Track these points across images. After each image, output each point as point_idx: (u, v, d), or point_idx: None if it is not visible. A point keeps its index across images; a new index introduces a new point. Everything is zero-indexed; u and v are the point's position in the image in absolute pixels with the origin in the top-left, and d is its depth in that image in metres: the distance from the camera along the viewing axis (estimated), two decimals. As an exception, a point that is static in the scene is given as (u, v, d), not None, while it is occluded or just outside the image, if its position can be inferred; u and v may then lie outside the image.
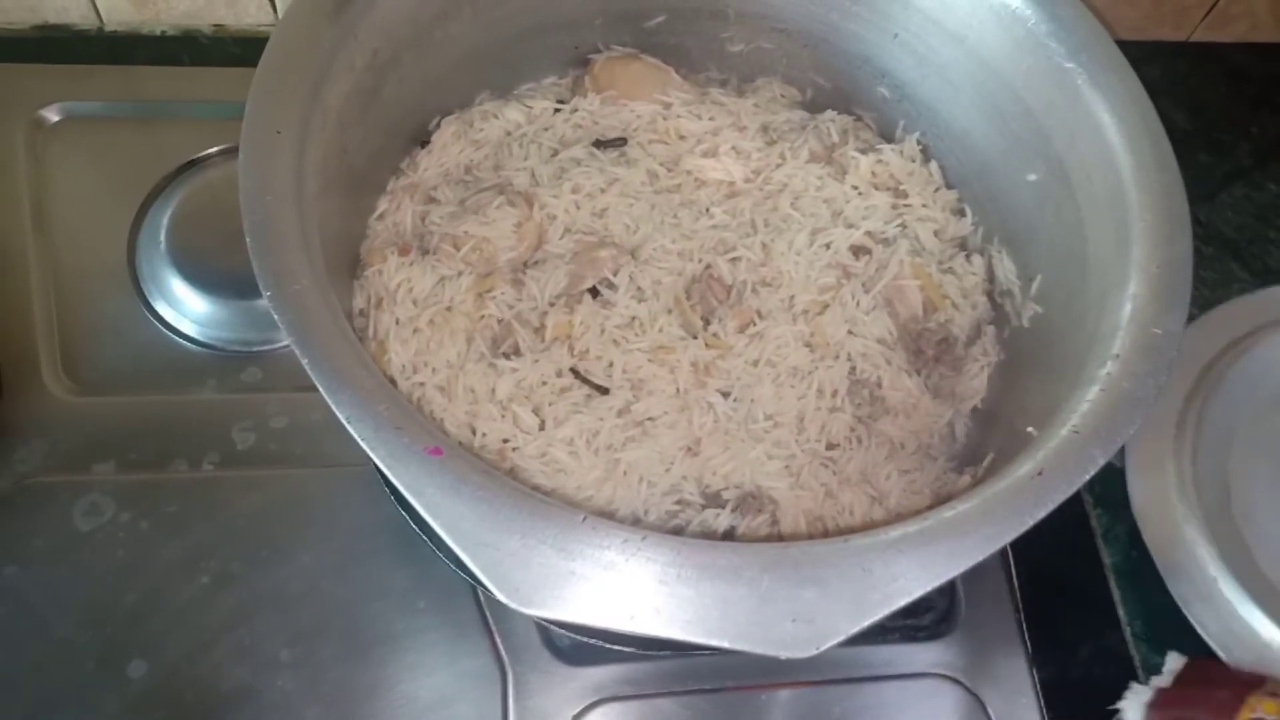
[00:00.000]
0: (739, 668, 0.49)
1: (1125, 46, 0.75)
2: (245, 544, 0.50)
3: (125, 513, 0.50)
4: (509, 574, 0.27)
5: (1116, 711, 0.49)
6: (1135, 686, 0.49)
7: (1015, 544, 0.53)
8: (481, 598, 0.50)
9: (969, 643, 0.51)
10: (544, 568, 0.28)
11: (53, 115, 0.60)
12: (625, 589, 0.28)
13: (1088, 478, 0.34)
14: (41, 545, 0.49)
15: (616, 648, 0.43)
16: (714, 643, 0.27)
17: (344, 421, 0.29)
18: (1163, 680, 0.49)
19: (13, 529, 0.49)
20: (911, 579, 0.28)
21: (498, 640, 0.49)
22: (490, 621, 0.49)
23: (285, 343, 0.55)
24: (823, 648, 0.27)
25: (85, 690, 0.46)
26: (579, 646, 0.49)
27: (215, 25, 0.65)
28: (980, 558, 0.31)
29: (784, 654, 0.27)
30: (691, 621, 0.27)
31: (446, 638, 0.49)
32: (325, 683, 0.47)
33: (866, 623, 0.28)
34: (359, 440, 0.29)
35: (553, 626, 0.49)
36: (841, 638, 0.27)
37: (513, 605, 0.27)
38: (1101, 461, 0.34)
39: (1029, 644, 0.52)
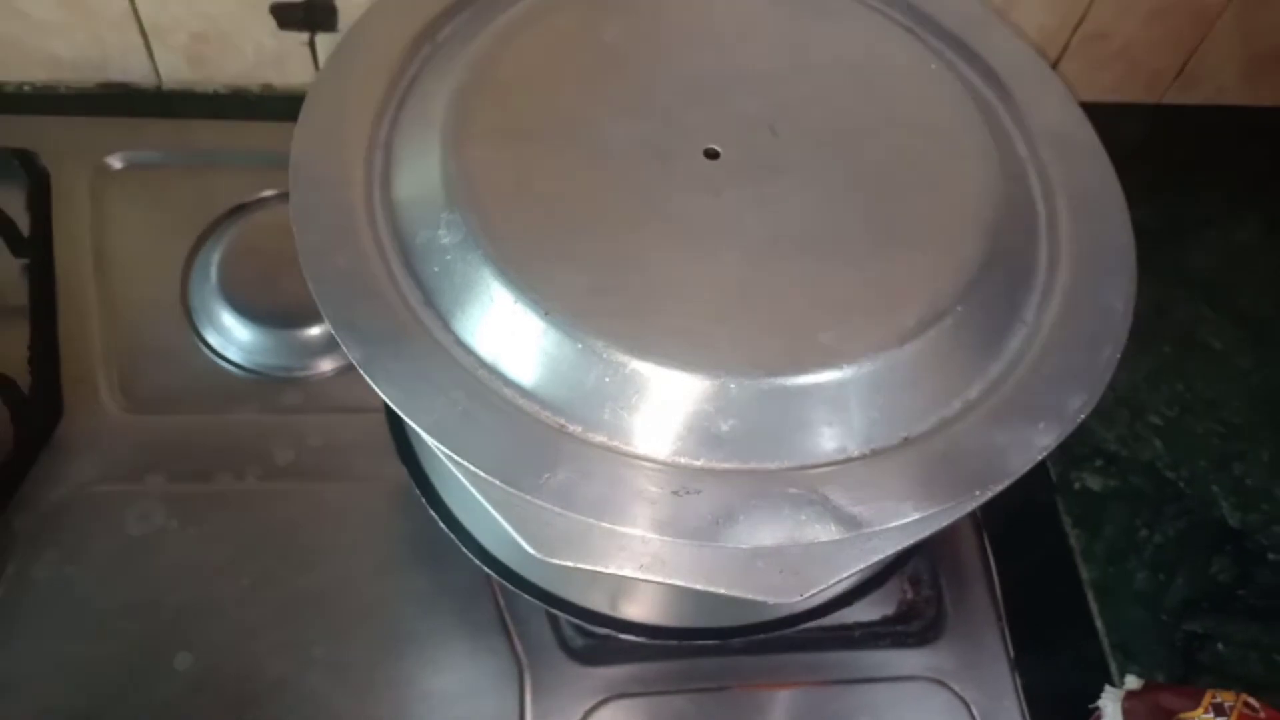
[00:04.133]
0: (742, 668, 0.53)
1: (1101, 107, 0.82)
2: (283, 550, 0.54)
3: (174, 520, 0.54)
4: (535, 530, 0.32)
5: (1096, 709, 0.52)
6: (1109, 688, 0.52)
7: (998, 560, 0.58)
8: (500, 601, 0.54)
9: (955, 649, 0.55)
10: (566, 524, 0.32)
11: (115, 163, 0.65)
12: (636, 543, 0.32)
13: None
14: (97, 548, 0.53)
15: (627, 637, 0.47)
16: (711, 589, 0.31)
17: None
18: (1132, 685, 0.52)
19: (72, 533, 0.53)
20: (884, 539, 0.33)
21: (515, 641, 0.53)
22: (508, 623, 0.53)
23: (324, 369, 0.60)
24: (805, 594, 0.31)
25: (138, 679, 0.50)
26: (591, 647, 0.53)
27: (263, 85, 0.72)
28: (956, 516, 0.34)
29: (772, 599, 0.31)
30: (692, 571, 0.32)
31: (467, 637, 0.53)
32: (355, 676, 0.51)
33: (844, 574, 0.32)
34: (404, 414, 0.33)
35: (566, 625, 0.52)
36: (822, 586, 0.31)
37: (538, 555, 0.31)
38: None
39: (1011, 651, 0.55)
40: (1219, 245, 0.74)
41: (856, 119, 0.41)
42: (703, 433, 0.34)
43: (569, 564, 0.31)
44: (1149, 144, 0.79)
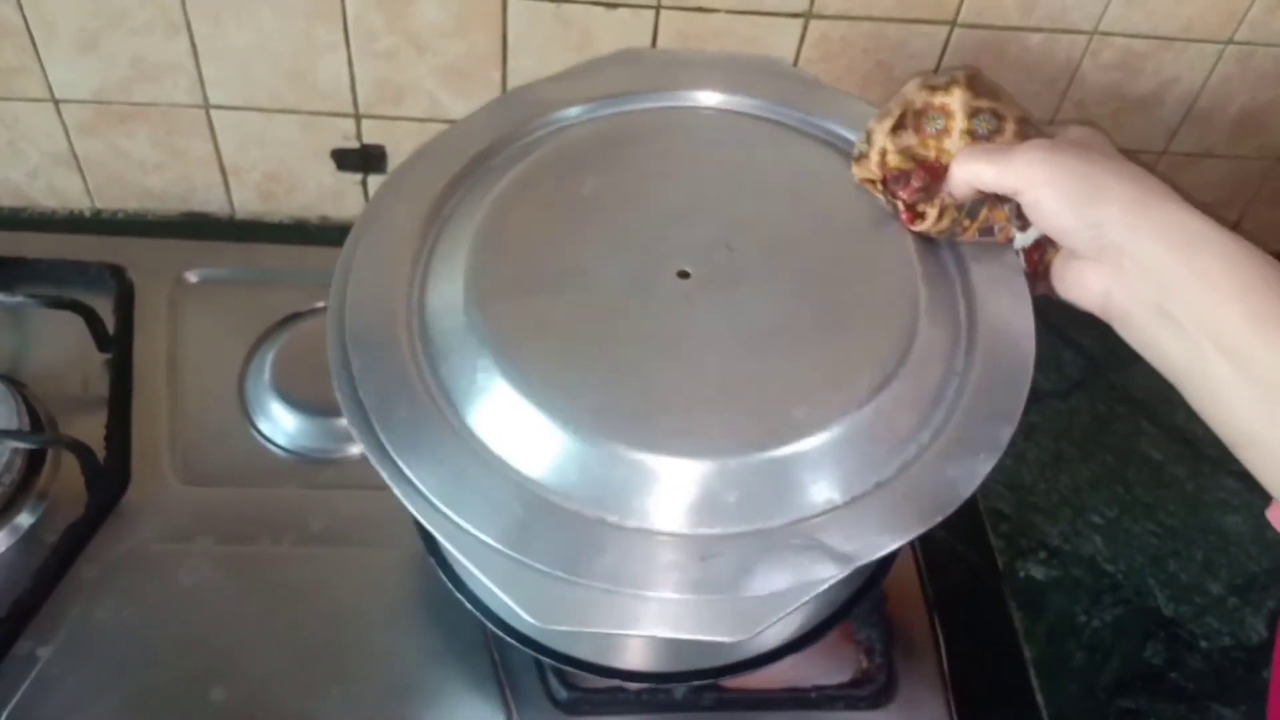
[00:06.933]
0: (706, 721, 0.59)
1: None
2: (312, 603, 0.62)
3: (219, 574, 0.62)
4: (535, 602, 0.39)
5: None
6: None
7: (946, 637, 0.64)
8: (495, 656, 0.61)
9: (903, 714, 0.61)
10: (562, 595, 0.40)
11: (191, 278, 0.77)
12: (620, 608, 0.40)
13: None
14: (153, 596, 0.61)
15: (607, 682, 0.54)
16: (680, 636, 0.39)
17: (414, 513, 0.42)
18: None
19: (132, 583, 0.62)
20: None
21: (506, 691, 0.59)
22: (501, 676, 0.60)
23: (355, 453, 0.69)
24: (753, 632, 0.38)
25: (179, 707, 0.57)
26: (573, 700, 0.59)
27: (321, 216, 0.84)
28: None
29: (727, 638, 0.38)
30: (661, 623, 0.39)
31: (465, 687, 0.60)
32: (366, 715, 0.58)
33: (784, 613, 0.39)
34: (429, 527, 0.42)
35: (552, 679, 0.59)
36: (768, 624, 0.38)
37: (539, 623, 0.38)
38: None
39: (955, 717, 0.61)
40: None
41: (797, 229, 0.50)
42: (713, 505, 0.42)
43: (564, 629, 0.39)
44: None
